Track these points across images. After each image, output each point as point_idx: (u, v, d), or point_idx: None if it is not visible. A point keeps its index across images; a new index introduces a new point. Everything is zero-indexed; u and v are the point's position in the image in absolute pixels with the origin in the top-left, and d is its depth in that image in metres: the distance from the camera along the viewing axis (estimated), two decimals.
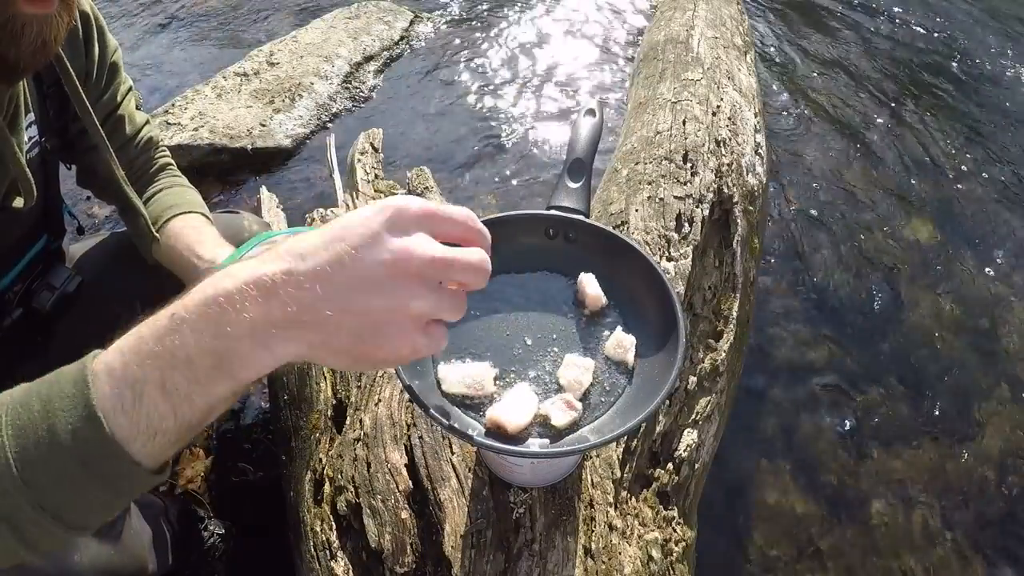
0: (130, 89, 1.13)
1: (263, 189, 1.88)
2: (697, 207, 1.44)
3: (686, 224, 1.40)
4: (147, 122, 1.18)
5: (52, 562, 0.85)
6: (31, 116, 0.95)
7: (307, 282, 0.42)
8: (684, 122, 1.69)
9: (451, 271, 0.45)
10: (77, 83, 0.95)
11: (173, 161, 1.23)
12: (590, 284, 0.88)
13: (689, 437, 1.20)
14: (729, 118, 1.76)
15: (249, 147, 2.49)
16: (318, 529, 1.04)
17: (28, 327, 1.05)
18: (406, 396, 1.07)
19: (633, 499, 1.07)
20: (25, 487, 0.42)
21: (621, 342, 0.82)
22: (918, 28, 3.58)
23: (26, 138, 0.95)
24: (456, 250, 0.46)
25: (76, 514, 0.45)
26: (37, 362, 0.53)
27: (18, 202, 0.94)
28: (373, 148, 1.83)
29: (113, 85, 1.08)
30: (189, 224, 1.10)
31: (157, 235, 1.08)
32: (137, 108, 1.16)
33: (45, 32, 0.76)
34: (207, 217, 1.15)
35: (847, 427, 1.82)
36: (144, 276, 1.08)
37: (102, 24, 1.04)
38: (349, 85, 2.90)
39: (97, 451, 0.42)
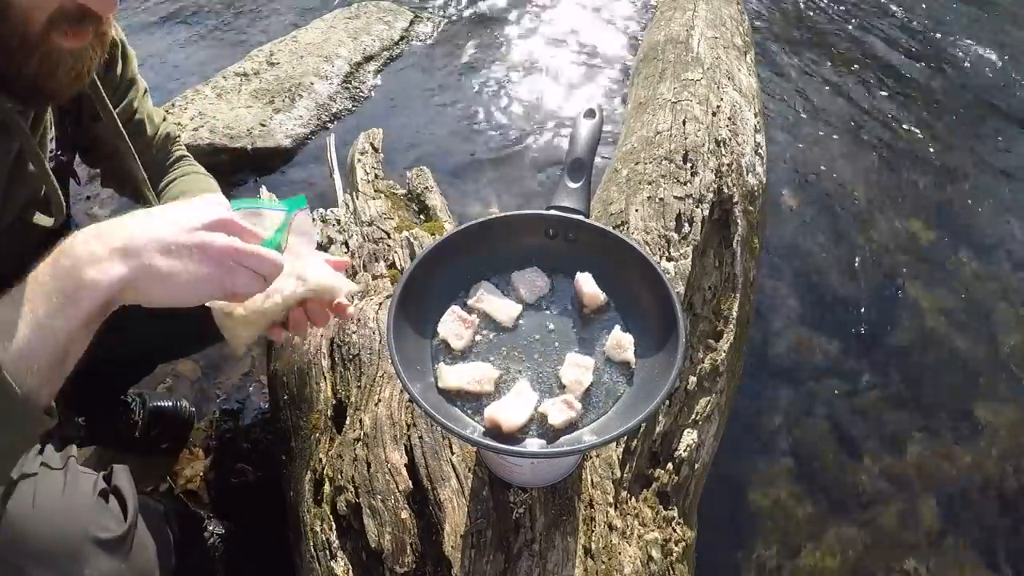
0: (146, 91, 1.16)
1: (263, 189, 1.88)
2: (697, 207, 1.44)
3: (686, 224, 1.40)
4: (164, 119, 1.22)
5: None
6: (51, 132, 0.98)
7: (137, 222, 0.59)
8: (684, 122, 1.69)
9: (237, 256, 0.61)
10: (112, 108, 0.98)
11: (189, 154, 1.26)
12: (586, 283, 0.88)
13: (689, 437, 1.20)
14: (729, 118, 1.76)
15: (249, 147, 2.48)
16: (318, 529, 1.04)
17: None
18: (406, 396, 1.08)
19: (633, 499, 1.07)
20: None
21: (620, 341, 0.82)
22: (919, 28, 3.58)
23: (48, 154, 0.97)
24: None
25: None
26: None
27: (39, 218, 0.97)
28: (373, 148, 1.83)
29: (131, 92, 1.12)
30: None
31: None
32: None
33: (79, 65, 0.80)
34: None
35: (847, 427, 1.82)
36: None
37: (122, 39, 1.07)
38: (349, 85, 2.90)
39: None
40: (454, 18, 3.45)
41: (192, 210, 0.62)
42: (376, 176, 1.74)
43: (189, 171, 1.22)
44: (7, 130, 0.85)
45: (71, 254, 0.55)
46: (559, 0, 3.57)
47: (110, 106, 0.98)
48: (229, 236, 0.62)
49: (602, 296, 0.88)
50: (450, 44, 3.25)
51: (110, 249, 0.56)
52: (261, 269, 0.63)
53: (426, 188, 1.73)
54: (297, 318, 0.73)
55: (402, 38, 3.24)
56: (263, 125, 2.58)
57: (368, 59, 3.05)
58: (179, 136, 1.26)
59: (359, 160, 1.78)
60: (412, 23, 3.34)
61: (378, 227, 1.51)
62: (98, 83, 0.94)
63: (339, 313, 0.78)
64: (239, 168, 2.47)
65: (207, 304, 0.72)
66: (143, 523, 1.02)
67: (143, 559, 1.00)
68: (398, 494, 0.98)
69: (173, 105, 2.60)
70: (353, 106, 2.83)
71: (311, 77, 2.83)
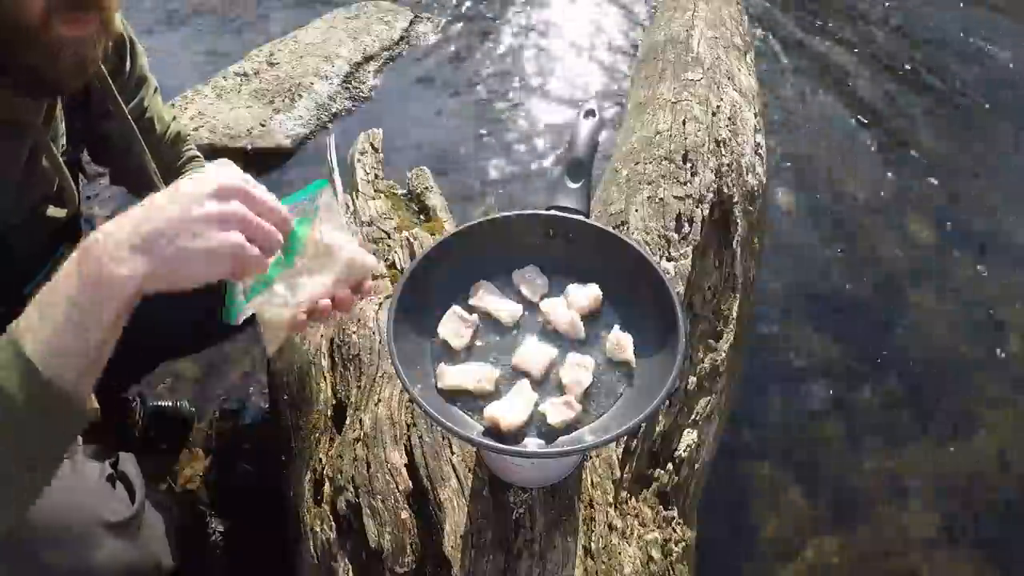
0: (156, 89, 1.17)
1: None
2: (697, 207, 1.44)
3: (686, 224, 1.40)
4: (174, 118, 1.23)
5: (72, 560, 0.86)
6: (61, 127, 0.98)
7: (147, 212, 0.57)
8: (684, 122, 1.68)
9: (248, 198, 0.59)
10: (123, 105, 0.98)
11: (200, 154, 1.27)
12: (577, 293, 0.88)
13: (689, 437, 1.20)
14: (729, 118, 1.76)
15: (249, 147, 2.49)
16: (318, 529, 1.04)
17: None
18: (406, 396, 1.08)
19: (633, 499, 1.07)
20: None
21: (620, 341, 0.82)
22: (919, 28, 3.58)
23: (60, 148, 0.98)
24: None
25: (22, 461, 0.57)
26: None
27: (53, 211, 0.98)
28: (373, 148, 1.83)
29: (141, 90, 1.12)
30: None
31: None
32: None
33: (82, 53, 0.78)
34: None
35: (847, 427, 1.82)
36: None
37: (132, 37, 1.08)
38: (349, 85, 2.90)
39: (40, 396, 0.54)
40: (454, 18, 3.45)
41: (202, 182, 0.59)
42: (376, 176, 1.74)
43: (200, 171, 1.23)
44: (20, 127, 0.85)
45: (93, 256, 0.56)
46: (559, 1, 3.57)
47: (121, 103, 0.98)
48: (238, 203, 0.59)
49: (600, 296, 0.88)
50: (450, 44, 3.25)
51: (128, 245, 0.55)
52: (267, 241, 0.61)
53: (426, 188, 1.73)
54: (323, 307, 0.70)
55: (402, 38, 3.24)
56: (263, 125, 2.58)
57: (368, 59, 3.05)
58: (189, 136, 1.27)
59: (359, 160, 1.78)
60: (412, 23, 3.34)
61: (378, 227, 1.51)
62: (108, 79, 0.94)
63: (363, 293, 0.75)
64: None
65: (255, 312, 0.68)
66: (151, 508, 1.03)
67: (152, 541, 1.02)
68: (398, 494, 0.98)
69: (173, 105, 2.60)
70: (353, 106, 2.83)
71: (311, 77, 2.83)
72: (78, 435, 0.63)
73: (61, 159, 0.93)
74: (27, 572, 0.84)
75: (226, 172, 0.61)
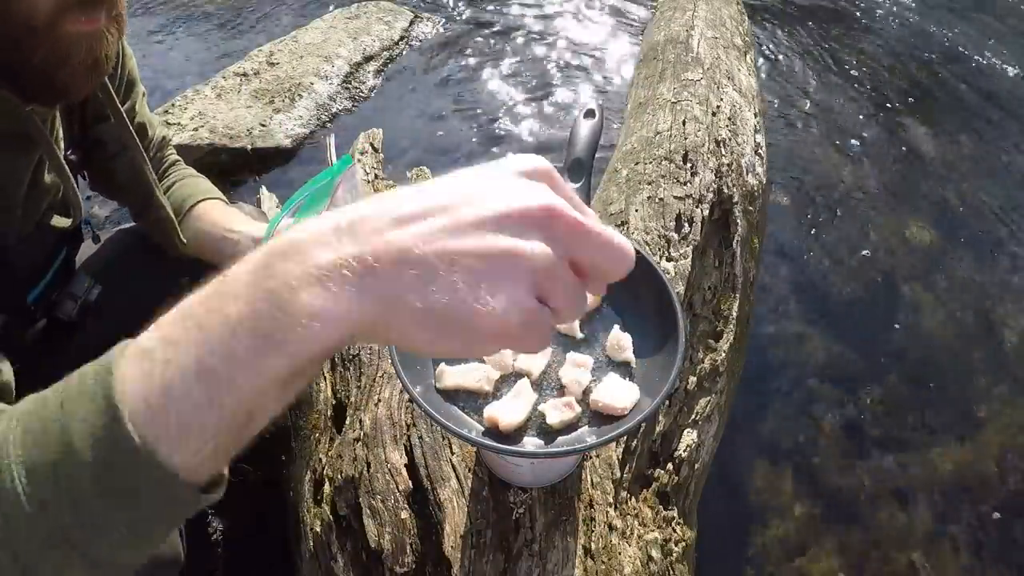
0: (144, 94, 1.15)
1: (263, 189, 1.88)
2: (697, 207, 1.44)
3: (686, 224, 1.40)
4: (159, 123, 1.22)
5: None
6: (60, 132, 0.96)
7: (406, 218, 0.33)
8: (684, 122, 1.68)
9: (588, 239, 0.37)
10: (118, 103, 0.96)
11: (180, 158, 1.26)
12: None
13: (689, 437, 1.20)
14: (729, 118, 1.76)
15: (249, 147, 2.48)
16: (318, 529, 1.04)
17: (51, 338, 1.06)
18: (406, 396, 1.08)
19: (633, 499, 1.07)
20: (38, 511, 0.33)
21: (620, 341, 0.82)
22: (918, 28, 3.58)
23: (62, 153, 0.96)
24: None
25: (102, 546, 0.35)
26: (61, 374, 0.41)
27: (58, 220, 0.96)
28: (373, 148, 1.83)
29: (132, 93, 1.10)
30: (215, 207, 1.15)
31: (180, 232, 1.11)
32: None
33: (96, 50, 0.75)
34: (225, 202, 1.19)
35: (847, 427, 1.82)
36: (162, 278, 1.09)
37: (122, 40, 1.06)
38: (349, 85, 2.90)
39: (119, 455, 0.33)
40: (454, 18, 3.45)
41: (494, 180, 0.35)
42: (376, 176, 1.74)
43: (186, 174, 1.22)
44: (29, 139, 0.82)
45: (279, 267, 0.33)
46: (559, 1, 3.57)
47: (119, 104, 0.97)
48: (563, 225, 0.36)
49: (600, 296, 0.88)
50: (450, 44, 3.25)
51: (360, 264, 0.32)
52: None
53: None
54: None
55: (402, 38, 3.24)
56: (263, 125, 2.58)
57: (368, 59, 3.05)
58: (171, 141, 1.26)
59: (359, 160, 1.77)
60: (412, 23, 3.34)
61: None
62: (107, 80, 0.92)
63: None
64: (239, 168, 2.47)
65: None
66: None
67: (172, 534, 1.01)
68: (398, 494, 0.98)
69: (173, 105, 2.60)
70: (353, 106, 2.83)
71: (311, 77, 2.83)
72: (172, 527, 0.39)
73: (66, 169, 0.91)
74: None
75: (533, 162, 0.38)
